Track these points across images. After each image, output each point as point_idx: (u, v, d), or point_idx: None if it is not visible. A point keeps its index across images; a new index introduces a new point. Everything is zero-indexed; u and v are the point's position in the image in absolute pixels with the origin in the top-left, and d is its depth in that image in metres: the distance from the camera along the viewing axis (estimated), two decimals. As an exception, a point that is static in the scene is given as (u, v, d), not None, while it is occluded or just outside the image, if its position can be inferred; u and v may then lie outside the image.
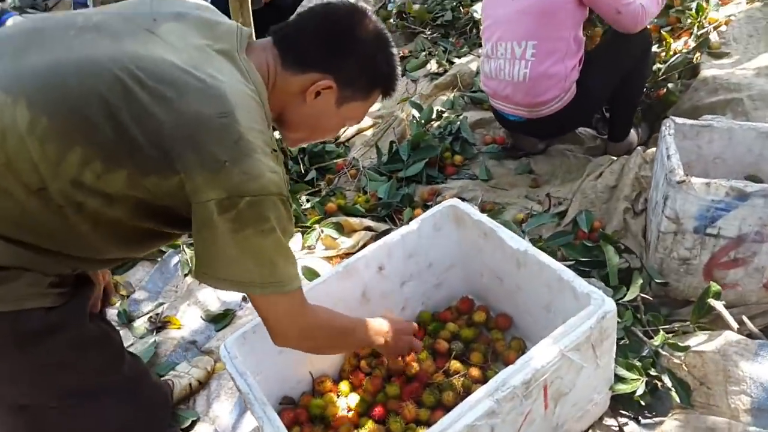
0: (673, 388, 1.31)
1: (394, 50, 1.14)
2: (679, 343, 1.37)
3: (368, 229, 2.22)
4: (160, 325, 2.01)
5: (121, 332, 2.00)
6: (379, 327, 1.33)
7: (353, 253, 1.93)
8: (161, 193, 0.92)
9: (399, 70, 1.16)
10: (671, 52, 2.65)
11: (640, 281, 1.57)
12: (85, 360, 1.05)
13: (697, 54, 2.57)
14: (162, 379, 1.74)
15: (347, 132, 2.95)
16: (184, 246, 2.23)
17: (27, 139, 0.85)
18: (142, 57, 0.91)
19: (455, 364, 1.53)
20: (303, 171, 2.66)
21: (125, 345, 1.93)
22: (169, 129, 0.88)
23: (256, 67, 1.02)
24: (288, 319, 1.08)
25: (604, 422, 1.36)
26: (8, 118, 0.86)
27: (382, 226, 2.22)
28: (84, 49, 0.91)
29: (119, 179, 0.90)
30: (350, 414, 1.48)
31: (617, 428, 1.34)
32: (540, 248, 1.87)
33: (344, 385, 1.54)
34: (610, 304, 1.19)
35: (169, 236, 1.11)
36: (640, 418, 1.35)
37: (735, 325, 1.43)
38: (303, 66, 1.06)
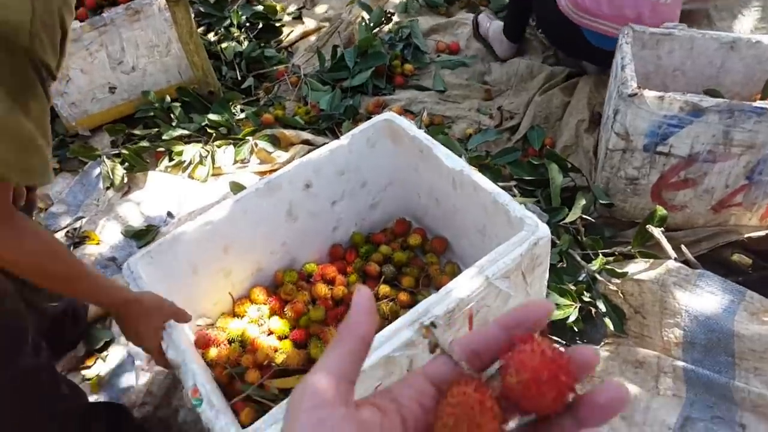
0: (606, 315, 1.24)
1: None
2: (617, 269, 1.29)
3: (306, 142, 2.06)
4: (77, 240, 1.87)
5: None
6: (122, 292, 1.07)
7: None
8: None
9: None
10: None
11: (583, 202, 1.48)
12: None
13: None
14: None
15: (290, 36, 2.71)
16: (105, 158, 2.05)
17: None
18: None
19: (384, 288, 1.44)
20: (239, 78, 2.44)
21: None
22: None
23: None
24: None
25: (533, 350, 1.30)
26: None
27: (321, 140, 2.06)
28: None
29: None
30: (271, 337, 1.39)
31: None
32: (486, 166, 1.78)
33: (264, 308, 1.44)
34: (544, 230, 1.10)
35: None
36: (571, 345, 1.29)
37: (673, 254, 1.36)
38: None
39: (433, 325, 0.46)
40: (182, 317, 1.12)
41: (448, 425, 0.36)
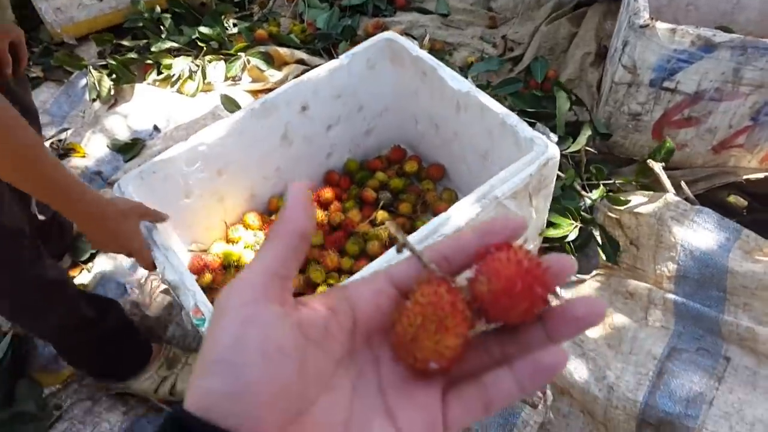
0: (601, 244, 1.24)
1: None
2: (621, 197, 1.28)
3: (300, 62, 1.99)
4: (62, 152, 1.82)
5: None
6: (90, 193, 0.94)
7: (280, 87, 1.73)
8: None
9: None
10: None
11: (589, 132, 1.45)
12: None
13: None
14: None
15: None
16: (92, 68, 1.97)
17: None
18: None
19: (382, 214, 1.42)
20: (234, -9, 2.33)
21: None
22: None
23: None
24: None
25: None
26: None
27: (317, 61, 1.99)
28: None
29: None
30: None
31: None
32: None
33: (260, 234, 1.42)
34: (554, 151, 1.07)
35: None
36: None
37: (671, 189, 1.34)
38: None
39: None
40: (159, 217, 1.07)
41: (414, 324, 0.33)
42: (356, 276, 0.98)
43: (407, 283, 0.36)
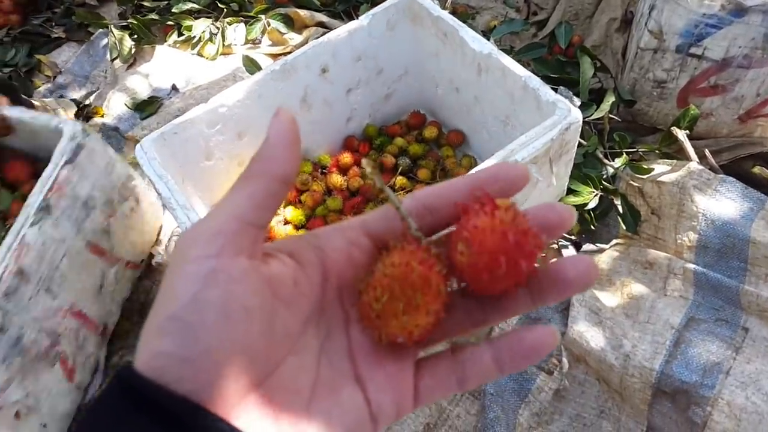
0: (621, 213, 1.23)
1: None
2: (644, 165, 1.27)
3: (321, 24, 1.97)
4: (87, 115, 1.83)
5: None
6: None
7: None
8: None
9: None
10: None
11: (612, 98, 1.43)
12: None
13: None
14: None
15: None
16: (113, 27, 1.97)
17: None
18: None
19: (401, 180, 1.43)
20: (254, -49, 2.29)
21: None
22: None
23: None
24: None
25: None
26: None
27: (337, 23, 1.97)
28: None
29: None
30: (288, 226, 1.39)
31: (556, 248, 1.29)
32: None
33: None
34: (576, 115, 1.06)
35: None
36: (581, 243, 1.29)
37: (695, 157, 1.33)
38: None
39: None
40: None
41: (381, 300, 0.30)
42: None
43: (383, 235, 0.33)
